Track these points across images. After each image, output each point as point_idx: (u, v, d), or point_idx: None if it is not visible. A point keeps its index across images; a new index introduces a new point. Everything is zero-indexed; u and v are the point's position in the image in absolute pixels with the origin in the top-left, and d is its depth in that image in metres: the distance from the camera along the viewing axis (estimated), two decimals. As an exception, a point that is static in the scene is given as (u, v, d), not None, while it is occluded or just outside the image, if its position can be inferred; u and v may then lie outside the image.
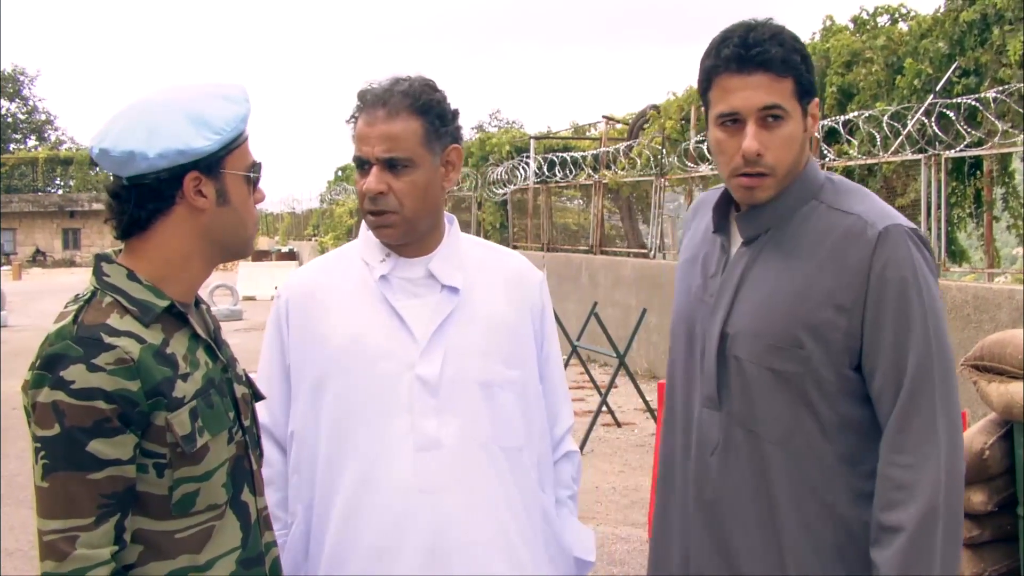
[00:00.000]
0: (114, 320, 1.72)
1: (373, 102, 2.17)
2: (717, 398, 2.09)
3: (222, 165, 1.79)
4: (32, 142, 68.34)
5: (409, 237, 2.23)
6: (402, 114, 2.15)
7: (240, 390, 1.91)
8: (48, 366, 1.67)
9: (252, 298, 25.15)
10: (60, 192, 58.48)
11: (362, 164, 2.19)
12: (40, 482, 1.67)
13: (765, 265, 2.06)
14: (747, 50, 1.99)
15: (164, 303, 1.78)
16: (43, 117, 69.74)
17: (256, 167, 1.86)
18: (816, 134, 10.60)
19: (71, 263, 51.27)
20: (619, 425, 9.91)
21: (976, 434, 4.10)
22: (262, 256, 32.47)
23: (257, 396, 2.00)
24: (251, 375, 2.05)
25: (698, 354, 2.14)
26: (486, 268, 2.33)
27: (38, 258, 53.26)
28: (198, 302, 1.91)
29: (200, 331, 1.85)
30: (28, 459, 1.77)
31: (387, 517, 2.16)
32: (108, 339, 1.68)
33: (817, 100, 2.08)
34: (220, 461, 1.80)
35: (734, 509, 2.07)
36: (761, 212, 2.07)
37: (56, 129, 70.41)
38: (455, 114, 2.24)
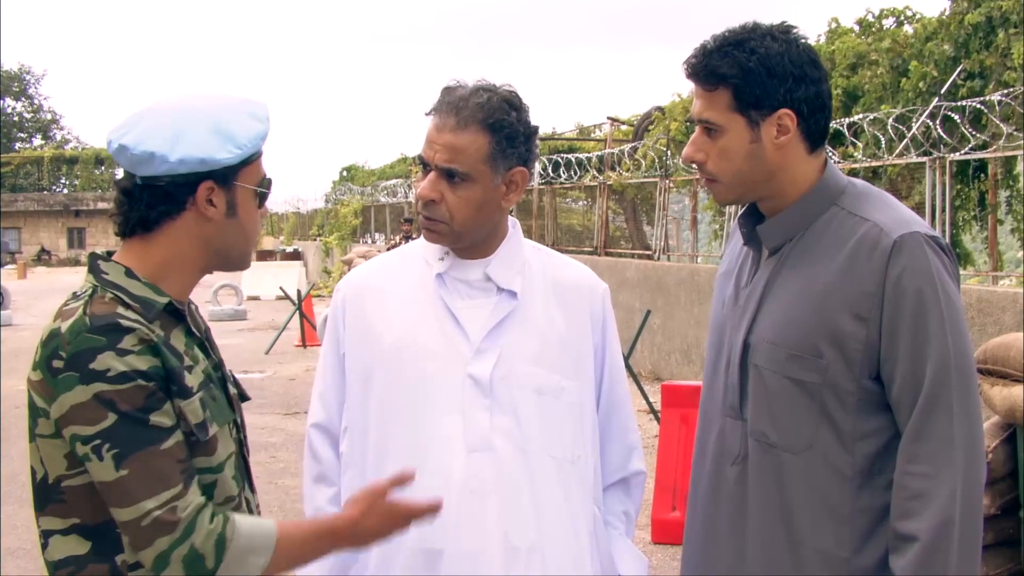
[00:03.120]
0: (121, 312, 1.73)
1: (448, 107, 2.15)
2: (739, 408, 2.09)
3: (236, 178, 1.81)
4: (38, 141, 68.49)
5: (458, 244, 2.22)
6: (471, 127, 2.13)
7: (231, 390, 1.93)
8: (74, 365, 1.66)
9: (256, 298, 25.13)
10: (65, 191, 58.63)
11: (424, 164, 2.19)
12: (115, 473, 1.65)
13: (788, 274, 2.05)
14: (693, 61, 2.02)
15: (164, 300, 1.79)
16: (49, 116, 69.95)
17: (267, 183, 1.88)
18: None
19: (76, 262, 51.29)
20: (622, 426, 9.86)
21: (979, 437, 4.09)
22: (266, 256, 32.44)
23: (243, 397, 2.01)
24: (237, 376, 2.06)
25: (723, 364, 2.14)
26: (546, 276, 2.30)
27: (43, 257, 53.33)
28: (188, 303, 1.93)
29: (195, 329, 1.87)
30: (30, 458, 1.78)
31: (437, 516, 2.13)
32: (126, 323, 1.70)
33: (785, 111, 1.99)
34: (228, 453, 1.82)
35: (750, 520, 2.07)
36: (781, 221, 2.06)
37: (62, 128, 70.66)
38: (528, 136, 2.19)
